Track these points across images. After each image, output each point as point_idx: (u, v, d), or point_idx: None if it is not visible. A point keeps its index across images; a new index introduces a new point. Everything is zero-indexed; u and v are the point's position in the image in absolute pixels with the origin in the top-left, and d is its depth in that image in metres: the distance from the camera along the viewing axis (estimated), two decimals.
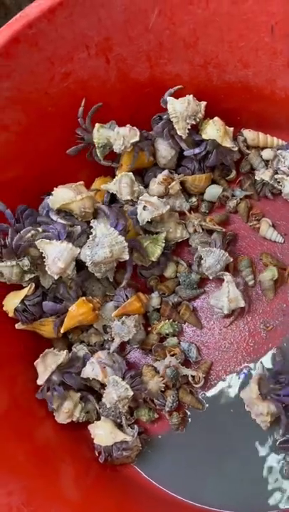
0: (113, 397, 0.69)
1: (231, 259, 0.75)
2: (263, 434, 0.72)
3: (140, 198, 0.73)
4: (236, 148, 0.77)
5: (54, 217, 0.70)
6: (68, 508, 0.63)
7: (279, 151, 0.78)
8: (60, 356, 0.70)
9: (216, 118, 0.75)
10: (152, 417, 0.75)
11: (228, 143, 0.75)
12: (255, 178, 0.79)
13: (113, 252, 0.68)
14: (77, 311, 0.71)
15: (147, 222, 0.72)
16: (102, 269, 0.69)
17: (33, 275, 0.70)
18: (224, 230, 0.78)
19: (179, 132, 0.73)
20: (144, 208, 0.72)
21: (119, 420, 0.72)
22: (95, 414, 0.74)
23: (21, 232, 0.68)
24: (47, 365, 0.70)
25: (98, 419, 0.73)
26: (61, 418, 0.71)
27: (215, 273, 0.75)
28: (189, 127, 0.73)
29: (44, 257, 0.68)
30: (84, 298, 0.72)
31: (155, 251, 0.75)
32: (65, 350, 0.71)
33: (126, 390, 0.69)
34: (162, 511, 0.71)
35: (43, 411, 0.72)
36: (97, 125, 0.72)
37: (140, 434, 0.73)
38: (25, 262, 0.68)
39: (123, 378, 0.70)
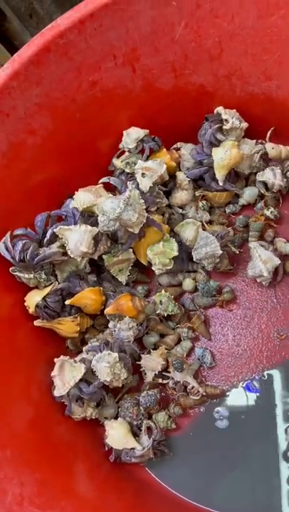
0: (104, 365, 0.68)
1: (220, 252, 0.73)
2: (274, 442, 0.72)
3: (136, 168, 0.73)
4: (220, 187, 0.77)
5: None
6: (79, 503, 0.64)
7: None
8: (78, 371, 0.69)
9: (236, 149, 0.75)
10: (170, 426, 0.74)
11: (219, 175, 0.75)
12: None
13: (137, 221, 0.68)
14: (90, 295, 0.73)
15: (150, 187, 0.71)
16: (114, 227, 0.68)
17: (49, 283, 0.72)
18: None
19: (224, 117, 0.74)
20: (143, 175, 0.71)
21: (135, 423, 0.72)
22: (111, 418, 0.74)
23: (41, 251, 0.70)
24: (65, 381, 0.69)
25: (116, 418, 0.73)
26: (75, 415, 0.72)
27: (199, 255, 0.74)
28: (237, 124, 0.75)
29: (65, 243, 0.70)
30: (101, 288, 0.75)
31: (172, 246, 0.75)
32: (82, 365, 0.69)
33: (109, 355, 0.68)
34: None
35: (60, 410, 0.72)
36: (113, 159, 0.78)
37: (160, 442, 0.72)
38: (42, 275, 0.71)
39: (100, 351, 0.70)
